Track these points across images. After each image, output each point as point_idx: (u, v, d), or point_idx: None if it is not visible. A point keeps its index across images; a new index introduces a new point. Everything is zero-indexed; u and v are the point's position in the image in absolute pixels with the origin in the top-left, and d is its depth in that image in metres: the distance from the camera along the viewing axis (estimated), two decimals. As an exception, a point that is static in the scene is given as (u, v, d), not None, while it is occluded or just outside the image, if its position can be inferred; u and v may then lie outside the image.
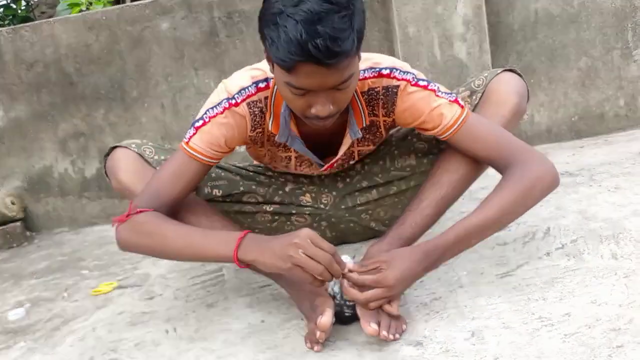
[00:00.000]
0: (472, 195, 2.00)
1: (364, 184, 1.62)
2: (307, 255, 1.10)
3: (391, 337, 1.16)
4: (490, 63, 2.53)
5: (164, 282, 1.77)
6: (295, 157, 1.50)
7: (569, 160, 2.35)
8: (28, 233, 2.71)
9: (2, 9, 3.82)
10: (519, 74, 1.49)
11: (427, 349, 1.13)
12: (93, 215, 2.72)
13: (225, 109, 1.33)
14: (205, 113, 1.34)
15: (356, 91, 1.35)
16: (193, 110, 2.62)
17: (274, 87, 1.34)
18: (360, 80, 1.33)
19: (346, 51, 1.10)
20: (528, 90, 1.50)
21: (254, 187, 1.62)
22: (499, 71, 1.48)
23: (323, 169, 1.51)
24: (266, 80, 1.35)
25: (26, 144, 2.68)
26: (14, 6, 3.80)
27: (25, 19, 3.52)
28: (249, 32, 2.58)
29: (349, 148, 1.46)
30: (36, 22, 2.69)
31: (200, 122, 1.34)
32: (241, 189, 1.61)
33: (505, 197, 1.27)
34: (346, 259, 1.23)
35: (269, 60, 1.21)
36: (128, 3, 2.78)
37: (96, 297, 1.75)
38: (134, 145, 1.48)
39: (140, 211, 1.31)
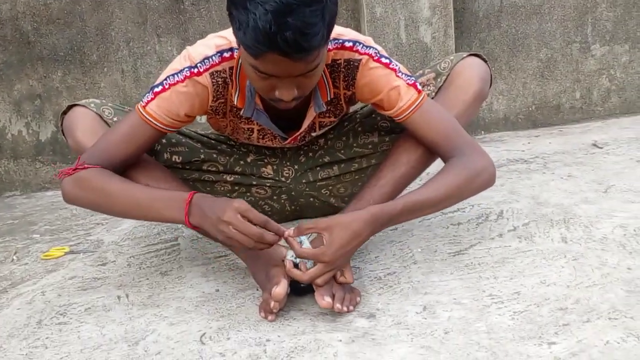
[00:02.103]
0: (429, 178, 2.04)
1: (326, 159, 1.63)
2: (238, 230, 1.14)
3: (345, 309, 1.17)
4: (454, 48, 2.56)
5: (117, 249, 1.74)
6: (258, 130, 1.49)
7: (524, 148, 2.41)
8: (-23, 195, 2.63)
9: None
10: (484, 59, 1.51)
11: (380, 321, 1.15)
12: (46, 180, 2.66)
13: (186, 77, 1.31)
14: (166, 79, 1.31)
15: None
16: (154, 78, 2.57)
17: (239, 59, 1.31)
18: None
19: (315, 46, 1.09)
20: (491, 76, 1.53)
21: (215, 155, 1.60)
22: (464, 55, 1.50)
23: (286, 142, 1.50)
24: (231, 50, 1.32)
25: (-22, 103, 2.59)
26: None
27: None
28: (215, 1, 2.54)
29: (311, 122, 1.46)
30: (-7, -24, 2.59)
31: (160, 87, 1.31)
32: (202, 157, 1.59)
33: (451, 180, 1.29)
34: (304, 240, 1.24)
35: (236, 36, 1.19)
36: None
37: (46, 261, 1.72)
38: (93, 105, 1.45)
39: (87, 167, 1.30)
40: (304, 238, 1.21)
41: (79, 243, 1.85)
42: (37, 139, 2.63)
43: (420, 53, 2.54)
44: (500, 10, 2.67)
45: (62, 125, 1.47)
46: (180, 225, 1.79)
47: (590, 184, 1.83)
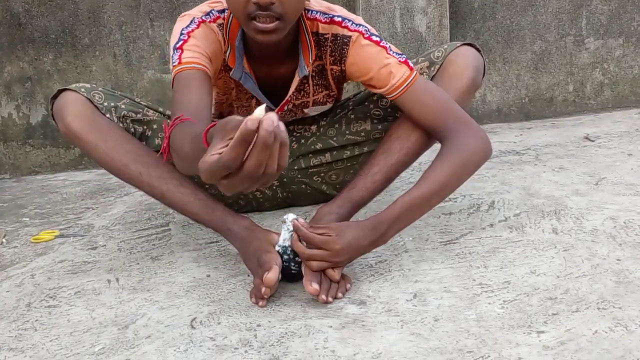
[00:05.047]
0: (421, 168, 2.04)
1: (319, 146, 1.63)
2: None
3: (330, 299, 1.18)
4: (449, 39, 2.56)
5: (108, 233, 1.74)
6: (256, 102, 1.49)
7: (517, 140, 2.41)
8: (-35, 178, 2.61)
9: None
10: (477, 49, 1.51)
11: (370, 308, 1.15)
12: (37, 163, 2.63)
13: (200, 22, 1.35)
14: (182, 33, 1.33)
15: (306, 29, 1.37)
16: (146, 62, 2.55)
17: (229, 18, 1.36)
18: (310, 19, 1.37)
19: None
20: (485, 66, 1.53)
21: (210, 143, 1.60)
22: (458, 44, 1.49)
23: (275, 111, 1.50)
24: (224, 11, 1.37)
25: (-33, 84, 2.56)
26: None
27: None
28: (209, -13, 2.52)
29: (301, 94, 1.47)
30: (-16, -43, 2.56)
31: (181, 41, 1.32)
32: (197, 144, 1.58)
33: (444, 170, 1.30)
34: (292, 217, 1.24)
35: None
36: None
37: (36, 244, 1.71)
38: (83, 90, 1.44)
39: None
40: (290, 216, 1.24)
41: (69, 227, 1.84)
42: (27, 122, 2.60)
43: (415, 43, 2.53)
44: (495, 2, 2.67)
45: (52, 109, 1.46)
46: (171, 211, 1.79)
47: (581, 176, 1.84)
